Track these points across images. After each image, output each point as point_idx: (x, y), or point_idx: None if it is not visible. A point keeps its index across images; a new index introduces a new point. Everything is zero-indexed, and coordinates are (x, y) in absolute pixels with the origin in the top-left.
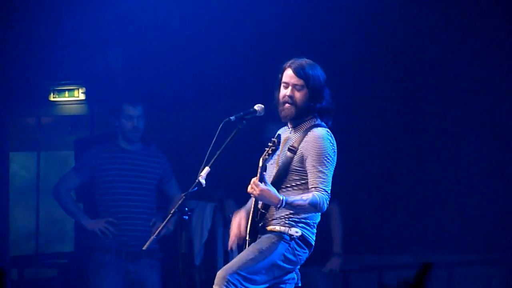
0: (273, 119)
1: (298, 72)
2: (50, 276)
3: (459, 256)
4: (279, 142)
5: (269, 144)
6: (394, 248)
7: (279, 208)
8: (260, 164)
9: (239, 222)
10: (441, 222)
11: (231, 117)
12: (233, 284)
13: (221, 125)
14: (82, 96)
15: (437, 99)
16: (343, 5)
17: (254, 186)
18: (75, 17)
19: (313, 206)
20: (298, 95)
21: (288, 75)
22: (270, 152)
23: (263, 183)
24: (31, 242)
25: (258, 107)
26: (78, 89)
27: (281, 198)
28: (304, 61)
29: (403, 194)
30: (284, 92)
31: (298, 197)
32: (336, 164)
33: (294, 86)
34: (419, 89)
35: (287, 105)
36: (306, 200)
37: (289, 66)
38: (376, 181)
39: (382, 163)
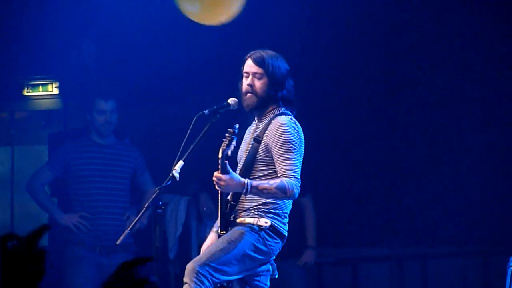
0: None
1: (257, 61)
2: None
3: (434, 248)
4: (235, 132)
5: (226, 135)
6: (368, 241)
7: (246, 193)
8: (220, 155)
9: (208, 244)
10: (416, 215)
11: (204, 111)
12: (203, 276)
13: (194, 119)
14: (55, 91)
15: (410, 94)
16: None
17: (217, 180)
18: (48, 11)
19: (281, 190)
20: (258, 83)
21: (248, 64)
22: (227, 142)
23: (225, 173)
24: None
25: (231, 100)
26: (51, 83)
27: (246, 182)
28: (265, 52)
29: (377, 187)
30: (245, 82)
31: (264, 181)
32: (310, 158)
33: (254, 75)
34: (393, 85)
35: (248, 94)
36: (273, 184)
37: (249, 57)
38: (350, 174)
39: (356, 156)
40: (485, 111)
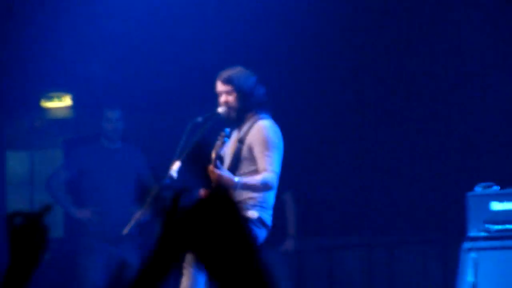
0: None
1: (224, 81)
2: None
3: (400, 236)
4: (227, 135)
5: (218, 137)
6: (343, 230)
7: (235, 188)
8: (214, 155)
9: None
10: (384, 206)
11: (198, 119)
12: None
13: (189, 126)
14: (69, 102)
15: (380, 91)
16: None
17: (212, 173)
18: (62, 33)
19: (264, 184)
20: (230, 99)
21: (218, 85)
22: (220, 144)
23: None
24: None
25: (221, 109)
26: (65, 96)
27: (236, 180)
28: (231, 70)
29: (351, 183)
30: (220, 100)
31: (250, 178)
32: (291, 154)
33: (225, 93)
34: (361, 82)
35: (227, 110)
36: (258, 180)
37: (218, 78)
38: (327, 171)
39: (334, 153)
40: (429, 113)
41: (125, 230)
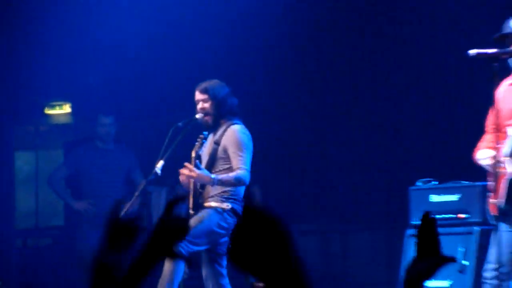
0: None
1: (201, 90)
2: (47, 244)
3: (352, 224)
4: (205, 137)
5: (197, 140)
6: (303, 218)
7: (212, 185)
8: (193, 155)
9: None
10: (339, 198)
11: (179, 124)
12: (181, 247)
13: (171, 130)
14: (69, 110)
15: (335, 92)
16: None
17: (189, 172)
18: (63, 50)
19: (237, 180)
20: (206, 106)
21: (196, 94)
22: (199, 145)
23: (198, 169)
24: (32, 218)
25: (198, 115)
26: (66, 104)
27: (213, 177)
28: (208, 82)
29: (310, 175)
30: (198, 108)
31: (225, 175)
32: (257, 154)
33: (202, 101)
34: (317, 84)
35: (204, 117)
36: (232, 176)
37: (196, 89)
38: (290, 165)
39: (295, 152)
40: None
41: None
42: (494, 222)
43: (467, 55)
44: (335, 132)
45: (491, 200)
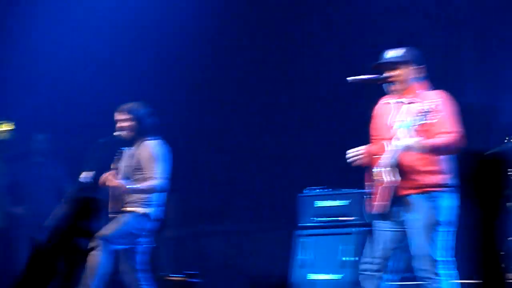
0: None
1: (122, 111)
2: None
3: (252, 225)
4: (123, 152)
5: (117, 154)
6: (209, 220)
7: (128, 193)
8: (113, 167)
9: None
10: (241, 203)
11: (100, 140)
12: (105, 244)
13: (95, 145)
14: (10, 127)
15: (239, 99)
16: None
17: (111, 180)
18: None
19: (151, 189)
20: (126, 124)
21: (117, 115)
22: (118, 160)
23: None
24: None
25: (118, 133)
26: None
27: (129, 187)
28: (128, 104)
29: (218, 184)
30: (118, 126)
31: (139, 185)
32: (176, 163)
33: (123, 120)
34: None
35: (124, 133)
36: (145, 186)
37: (117, 110)
38: (202, 174)
39: (206, 161)
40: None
41: (46, 222)
42: (371, 221)
43: (347, 81)
44: (243, 141)
45: (372, 203)
